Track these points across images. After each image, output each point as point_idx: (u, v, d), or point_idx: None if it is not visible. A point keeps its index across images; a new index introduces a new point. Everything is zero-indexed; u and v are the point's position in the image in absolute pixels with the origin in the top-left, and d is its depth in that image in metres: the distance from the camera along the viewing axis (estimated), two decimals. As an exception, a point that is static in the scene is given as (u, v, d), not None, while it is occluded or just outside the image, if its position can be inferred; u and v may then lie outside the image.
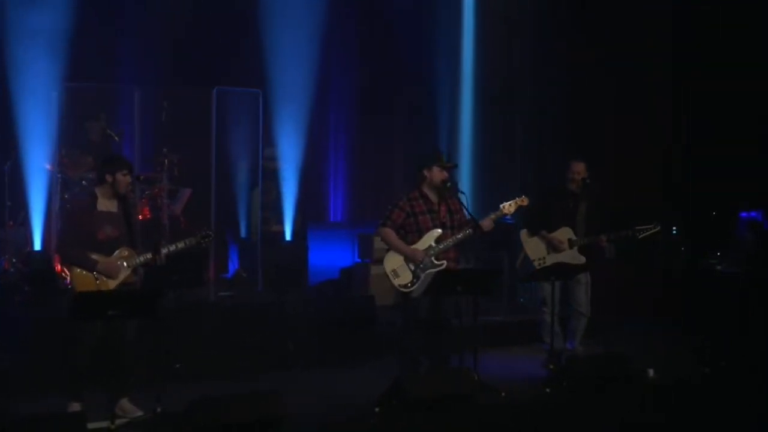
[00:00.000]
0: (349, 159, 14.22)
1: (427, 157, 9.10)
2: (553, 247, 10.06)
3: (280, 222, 11.88)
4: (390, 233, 8.89)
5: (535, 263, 10.05)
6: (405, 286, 8.77)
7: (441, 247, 8.84)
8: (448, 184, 8.96)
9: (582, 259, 10.03)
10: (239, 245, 11.89)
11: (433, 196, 8.96)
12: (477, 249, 11.74)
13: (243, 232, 11.88)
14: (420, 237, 8.87)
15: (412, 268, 8.79)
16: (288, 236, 11.56)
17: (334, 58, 13.79)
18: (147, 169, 11.14)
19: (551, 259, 10.02)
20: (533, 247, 10.14)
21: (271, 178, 11.80)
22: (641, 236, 9.97)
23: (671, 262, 13.15)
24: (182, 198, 11.15)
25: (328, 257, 12.68)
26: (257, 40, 11.31)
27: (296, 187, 11.75)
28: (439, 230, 8.87)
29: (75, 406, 7.95)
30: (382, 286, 9.52)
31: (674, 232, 13.44)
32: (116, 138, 10.77)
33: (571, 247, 10.04)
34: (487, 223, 8.84)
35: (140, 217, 10.62)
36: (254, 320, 9.98)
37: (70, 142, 10.52)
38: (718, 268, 12.56)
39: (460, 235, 8.88)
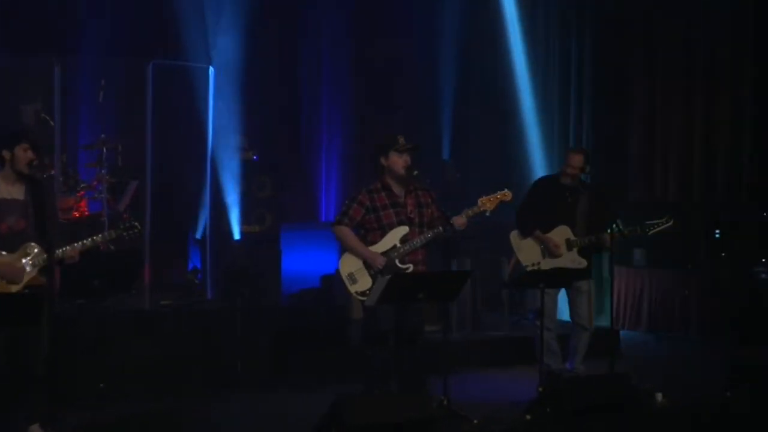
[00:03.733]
0: (344, 154, 13.60)
1: (383, 143, 8.43)
2: (548, 250, 9.33)
3: (249, 221, 11.22)
4: (346, 232, 8.26)
5: (529, 269, 9.34)
6: (363, 293, 8.09)
7: (407, 247, 8.17)
8: (415, 173, 8.22)
9: (583, 263, 9.33)
10: (200, 247, 11.24)
11: (397, 188, 8.32)
12: (471, 252, 11.03)
13: (198, 232, 11.26)
14: (382, 235, 8.22)
15: (372, 272, 8.13)
16: (236, 235, 11.01)
17: (324, 37, 13.30)
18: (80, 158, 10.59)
19: (547, 264, 9.31)
20: (526, 251, 9.45)
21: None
22: (651, 232, 9.28)
23: (713, 269, 12.30)
24: (128, 193, 10.52)
25: (311, 262, 11.99)
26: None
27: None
28: (405, 228, 8.21)
29: None
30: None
31: (717, 235, 12.63)
32: (52, 123, 10.19)
33: (569, 248, 9.29)
34: (460, 221, 8.17)
35: (76, 213, 10.04)
36: (198, 333, 9.45)
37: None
38: (764, 276, 11.79)
39: (429, 234, 8.22)
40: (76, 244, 7.33)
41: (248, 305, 9.70)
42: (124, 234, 7.54)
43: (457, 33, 13.67)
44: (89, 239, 7.37)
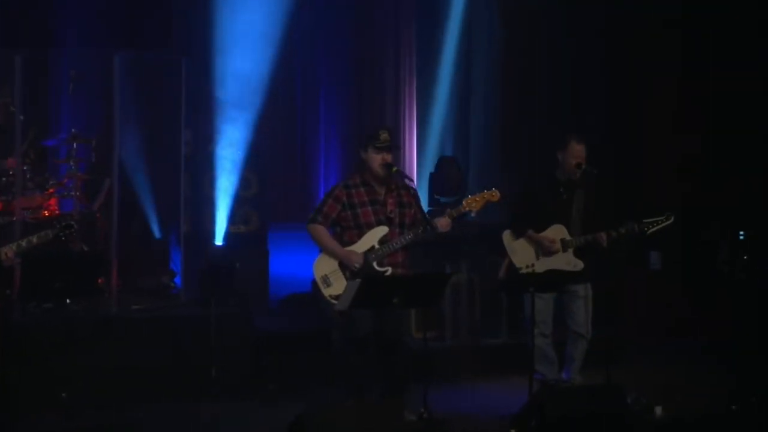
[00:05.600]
0: (343, 149, 13.46)
1: (363, 137, 8.37)
2: (543, 250, 9.14)
3: (233, 221, 11.08)
4: (320, 230, 8.17)
5: (523, 272, 9.17)
6: (338, 297, 7.90)
7: (385, 249, 8.04)
8: (394, 169, 8.06)
9: (579, 265, 9.17)
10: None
11: (378, 185, 8.20)
12: (470, 254, 10.97)
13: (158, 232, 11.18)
14: (360, 235, 8.12)
15: (348, 275, 7.99)
16: (219, 239, 10.93)
17: (322, 24, 13.17)
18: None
19: (542, 266, 9.17)
20: (519, 252, 9.27)
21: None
22: (650, 231, 9.10)
23: (735, 273, 12.04)
24: (102, 191, 10.42)
25: (303, 265, 11.81)
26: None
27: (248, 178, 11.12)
28: (385, 228, 8.11)
29: None
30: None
31: (741, 236, 12.36)
32: (22, 117, 10.06)
33: (564, 249, 9.10)
34: (443, 222, 8.05)
35: (46, 213, 9.93)
36: (169, 339, 9.37)
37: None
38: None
39: (410, 236, 8.09)
40: (11, 245, 7.27)
41: (223, 309, 9.57)
42: (60, 234, 7.46)
43: (460, 26, 13.52)
44: (24, 240, 7.33)
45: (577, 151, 9.18)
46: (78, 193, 10.13)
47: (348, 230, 8.10)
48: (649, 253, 12.56)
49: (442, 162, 12.87)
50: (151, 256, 11.11)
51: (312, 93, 13.27)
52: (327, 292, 8.02)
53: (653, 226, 9.07)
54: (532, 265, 9.16)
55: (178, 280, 10.71)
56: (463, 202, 8.13)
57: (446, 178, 12.60)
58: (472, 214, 8.28)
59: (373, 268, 7.97)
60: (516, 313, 11.08)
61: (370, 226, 8.06)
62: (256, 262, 11.08)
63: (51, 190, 10.14)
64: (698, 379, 10.21)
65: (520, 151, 12.99)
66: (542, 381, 9.19)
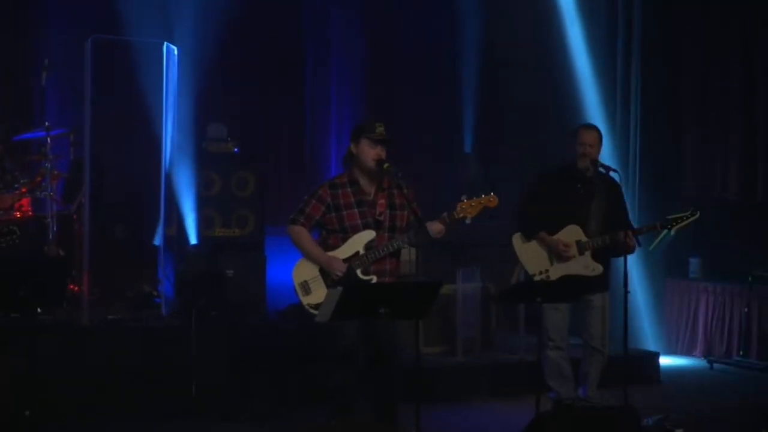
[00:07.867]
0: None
1: (356, 128, 7.97)
2: (557, 254, 8.75)
3: (229, 224, 10.81)
4: (301, 233, 7.86)
5: (536, 279, 8.78)
6: (317, 306, 7.56)
7: (371, 255, 7.70)
8: (386, 166, 7.68)
9: (599, 269, 8.77)
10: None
11: (367, 184, 7.85)
12: (484, 259, 10.77)
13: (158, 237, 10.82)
14: (345, 240, 7.77)
15: (330, 282, 7.67)
16: (193, 240, 10.65)
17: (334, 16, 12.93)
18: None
19: (557, 272, 8.77)
20: (531, 256, 8.91)
21: (212, 165, 10.84)
22: (675, 228, 8.73)
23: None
24: (81, 191, 10.12)
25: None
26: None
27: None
28: (372, 232, 7.76)
29: None
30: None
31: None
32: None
33: (581, 252, 8.72)
34: (436, 228, 7.66)
35: (18, 214, 9.66)
36: (146, 352, 9.11)
37: None
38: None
39: (398, 241, 7.75)
40: None
41: (206, 320, 9.36)
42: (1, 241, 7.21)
43: (482, 20, 13.40)
44: None
45: (587, 138, 8.83)
46: (53, 193, 9.83)
47: (333, 234, 7.78)
48: (688, 260, 12.22)
49: (462, 160, 12.61)
50: (137, 262, 10.83)
51: (323, 84, 12.93)
52: (306, 300, 7.73)
53: (678, 223, 8.69)
54: (546, 270, 8.80)
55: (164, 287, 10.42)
56: (457, 207, 7.72)
57: (467, 177, 12.33)
58: (467, 221, 7.84)
59: (357, 276, 7.64)
60: (535, 326, 10.77)
61: (355, 230, 7.73)
62: (252, 269, 10.75)
63: (23, 189, 9.87)
64: (734, 400, 9.92)
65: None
66: (556, 400, 8.87)
